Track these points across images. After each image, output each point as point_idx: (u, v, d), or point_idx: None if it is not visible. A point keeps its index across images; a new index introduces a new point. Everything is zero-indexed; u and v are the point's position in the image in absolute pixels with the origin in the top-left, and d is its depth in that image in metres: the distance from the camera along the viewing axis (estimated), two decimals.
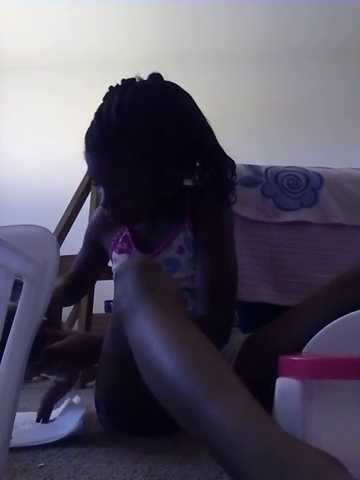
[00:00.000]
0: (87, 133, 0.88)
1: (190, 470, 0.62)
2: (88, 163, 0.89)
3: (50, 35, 3.39)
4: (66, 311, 2.01)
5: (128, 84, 0.89)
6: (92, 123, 0.88)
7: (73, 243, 1.77)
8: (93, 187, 1.81)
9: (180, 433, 0.59)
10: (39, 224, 0.53)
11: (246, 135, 3.27)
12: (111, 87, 0.92)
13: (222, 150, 0.94)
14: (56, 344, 0.83)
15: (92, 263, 1.12)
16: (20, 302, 0.49)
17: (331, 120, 3.48)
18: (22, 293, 0.49)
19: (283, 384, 0.50)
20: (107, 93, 0.92)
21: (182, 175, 0.92)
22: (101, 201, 0.90)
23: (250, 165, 1.28)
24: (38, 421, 0.88)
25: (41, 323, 0.53)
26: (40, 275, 0.50)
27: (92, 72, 3.58)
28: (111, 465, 0.66)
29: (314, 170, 1.31)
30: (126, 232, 1.01)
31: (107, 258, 1.08)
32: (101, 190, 0.90)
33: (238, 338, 0.94)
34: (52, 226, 1.70)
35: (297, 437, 0.44)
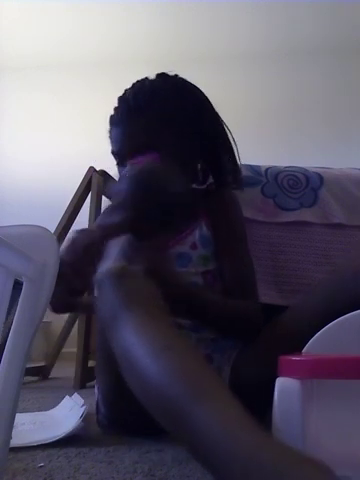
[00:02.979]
0: (117, 108, 0.98)
1: (190, 470, 0.62)
2: (116, 136, 0.97)
3: (50, 35, 3.39)
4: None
5: (145, 78, 1.01)
6: (120, 99, 0.98)
7: None
8: (93, 187, 1.81)
9: None
10: (39, 224, 0.53)
11: (246, 135, 3.26)
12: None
13: (228, 137, 1.03)
14: None
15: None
16: (20, 302, 0.49)
17: (331, 120, 3.48)
18: (22, 293, 0.49)
19: (283, 384, 0.50)
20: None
21: (197, 155, 1.00)
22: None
23: (250, 165, 1.28)
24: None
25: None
26: (40, 275, 0.50)
27: (92, 72, 3.58)
28: (111, 465, 0.66)
29: (314, 170, 1.31)
30: None
31: None
32: (126, 168, 0.93)
33: None
34: (52, 226, 1.70)
35: (296, 441, 0.44)
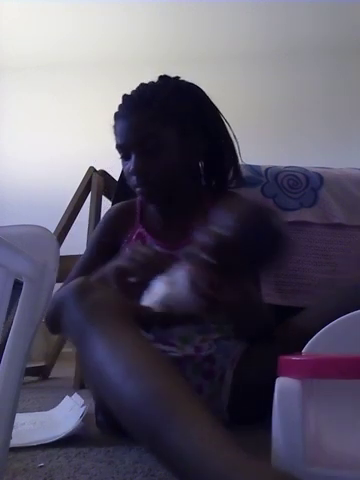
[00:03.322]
0: (121, 104, 0.99)
1: None
2: (121, 129, 0.97)
3: (50, 35, 3.39)
4: None
5: (150, 81, 1.03)
6: (125, 97, 1.00)
7: (73, 243, 1.77)
8: (93, 187, 1.81)
9: None
10: (39, 224, 0.53)
11: (246, 135, 3.26)
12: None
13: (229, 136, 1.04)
14: None
15: (106, 258, 1.02)
16: (20, 302, 0.49)
17: (331, 120, 3.48)
18: (22, 293, 0.49)
19: (283, 384, 0.50)
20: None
21: (200, 149, 1.00)
22: (131, 168, 0.95)
23: (250, 165, 1.28)
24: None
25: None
26: (40, 275, 0.50)
27: (92, 72, 3.58)
28: (111, 465, 0.66)
29: (314, 170, 1.31)
30: (140, 229, 1.01)
31: None
32: (130, 160, 0.95)
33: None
34: (52, 226, 1.70)
35: (296, 441, 0.44)
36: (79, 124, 3.51)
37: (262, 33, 3.40)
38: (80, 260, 1.07)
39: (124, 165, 1.00)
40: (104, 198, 1.85)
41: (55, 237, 0.54)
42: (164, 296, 0.72)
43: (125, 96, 1.01)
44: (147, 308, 0.73)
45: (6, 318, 0.46)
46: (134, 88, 1.02)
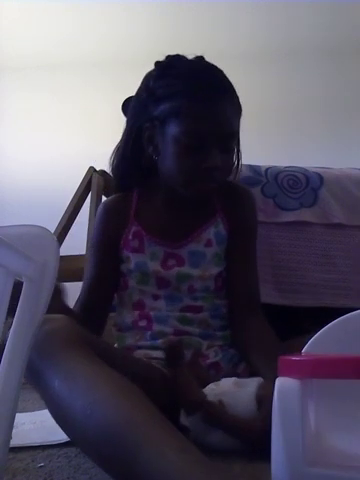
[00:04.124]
0: (204, 86, 0.86)
1: None
2: (211, 113, 0.85)
3: (50, 35, 3.39)
4: None
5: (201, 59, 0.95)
6: (199, 74, 0.89)
7: (73, 243, 1.77)
8: (93, 187, 1.81)
9: None
10: (39, 224, 0.53)
11: (246, 135, 3.26)
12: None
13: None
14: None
15: (111, 274, 0.97)
16: (20, 302, 0.49)
17: (331, 120, 3.48)
18: (22, 293, 0.49)
19: (282, 384, 0.50)
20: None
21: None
22: (215, 162, 0.86)
23: (250, 165, 1.27)
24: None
25: None
26: (40, 275, 0.50)
27: (92, 72, 3.58)
28: None
29: (314, 170, 1.31)
30: (135, 227, 0.96)
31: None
32: (204, 152, 0.86)
33: None
34: (52, 226, 1.70)
35: (295, 441, 0.44)
36: (79, 124, 3.51)
37: (262, 33, 3.40)
38: (86, 279, 0.99)
39: (186, 154, 0.87)
40: (104, 198, 1.85)
41: (55, 237, 0.54)
42: (228, 394, 0.71)
43: (201, 74, 0.89)
44: (202, 393, 0.71)
45: (6, 318, 0.46)
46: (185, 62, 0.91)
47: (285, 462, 0.47)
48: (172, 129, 0.87)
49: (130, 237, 0.96)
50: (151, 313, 0.93)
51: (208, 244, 0.95)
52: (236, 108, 0.90)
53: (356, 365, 0.47)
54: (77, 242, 1.75)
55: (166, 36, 3.39)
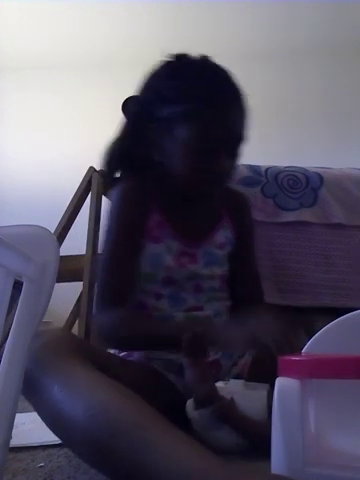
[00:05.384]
0: (215, 92, 0.86)
1: None
2: (221, 119, 0.85)
3: (50, 35, 3.39)
4: (66, 311, 2.00)
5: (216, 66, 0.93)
6: (216, 79, 0.88)
7: (73, 243, 1.77)
8: (93, 187, 1.81)
9: None
10: (39, 224, 0.53)
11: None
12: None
13: None
14: None
15: (136, 258, 0.90)
16: (20, 302, 0.49)
17: (331, 120, 3.48)
18: (22, 293, 0.49)
19: (282, 384, 0.50)
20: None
21: None
22: (218, 167, 0.86)
23: (250, 165, 1.28)
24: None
25: None
26: (40, 275, 0.50)
27: (92, 72, 3.58)
28: None
29: (314, 170, 1.31)
30: (158, 216, 0.92)
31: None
32: (219, 158, 0.86)
33: None
34: (52, 226, 1.70)
35: (295, 441, 0.44)
36: (79, 124, 3.51)
37: (262, 33, 3.40)
38: (107, 261, 0.91)
39: (194, 157, 0.87)
40: (104, 198, 1.85)
41: (55, 237, 0.54)
42: (238, 394, 0.72)
43: (212, 78, 0.87)
44: (215, 387, 0.72)
45: (6, 318, 0.46)
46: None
47: (285, 462, 0.47)
48: (181, 132, 0.87)
49: (152, 225, 0.92)
50: (154, 314, 0.92)
51: (220, 246, 0.97)
52: (245, 113, 0.89)
53: (356, 365, 0.47)
54: (77, 242, 1.75)
55: (166, 36, 3.39)
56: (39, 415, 0.60)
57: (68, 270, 1.63)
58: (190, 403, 0.73)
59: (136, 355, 0.90)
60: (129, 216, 0.91)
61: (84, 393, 0.55)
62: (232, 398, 0.72)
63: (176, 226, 0.93)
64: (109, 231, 0.91)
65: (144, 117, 0.92)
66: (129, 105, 1.07)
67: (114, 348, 0.92)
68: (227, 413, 0.70)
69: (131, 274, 0.90)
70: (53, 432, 0.58)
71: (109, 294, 0.88)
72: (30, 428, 0.87)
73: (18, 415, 0.52)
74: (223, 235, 0.98)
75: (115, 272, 0.89)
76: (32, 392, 0.60)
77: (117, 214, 0.92)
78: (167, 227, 0.92)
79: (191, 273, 0.93)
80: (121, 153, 0.97)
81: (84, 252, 1.70)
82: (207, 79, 0.88)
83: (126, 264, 0.89)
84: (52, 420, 0.58)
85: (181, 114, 0.86)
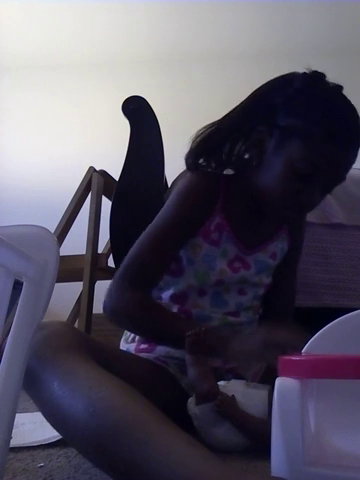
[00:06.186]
0: (340, 128, 0.84)
1: None
2: (339, 158, 0.84)
3: (50, 35, 3.39)
4: (66, 311, 2.01)
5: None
6: (333, 109, 0.87)
7: (73, 243, 1.77)
8: (93, 187, 1.81)
9: None
10: (39, 224, 0.53)
11: None
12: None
13: None
14: None
15: (175, 255, 0.90)
16: (20, 302, 0.49)
17: None
18: (22, 293, 0.49)
19: (282, 384, 0.50)
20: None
21: None
22: (313, 199, 0.86)
23: None
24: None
25: None
26: (40, 275, 0.50)
27: (92, 72, 3.58)
28: None
29: None
30: (219, 220, 0.91)
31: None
32: (308, 184, 0.84)
33: None
34: (52, 226, 1.70)
35: (295, 441, 0.44)
36: (79, 124, 3.51)
37: (262, 33, 3.40)
38: (148, 242, 0.87)
39: (292, 178, 0.84)
40: (104, 198, 1.85)
41: (55, 237, 0.54)
42: (239, 393, 0.73)
43: (342, 113, 0.88)
44: (217, 384, 0.74)
45: (6, 318, 0.46)
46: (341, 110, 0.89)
47: (285, 462, 0.47)
48: (292, 149, 0.84)
49: (212, 227, 0.90)
50: (193, 311, 0.91)
51: (273, 256, 0.97)
52: (356, 158, 0.87)
53: (356, 365, 0.47)
54: (77, 242, 1.75)
55: (166, 36, 3.40)
56: (40, 411, 0.60)
57: (68, 270, 1.63)
58: (191, 400, 0.74)
59: (140, 349, 0.90)
60: (190, 210, 0.90)
61: (84, 389, 0.55)
62: (233, 395, 0.72)
63: (235, 232, 0.92)
64: (164, 215, 0.89)
65: (260, 115, 0.89)
66: (127, 106, 1.05)
67: (118, 325, 0.90)
68: (228, 409, 0.70)
69: (164, 265, 0.89)
70: (54, 428, 0.58)
71: (135, 275, 0.86)
72: (30, 428, 0.87)
73: (18, 415, 0.52)
74: (279, 246, 0.98)
75: (151, 256, 0.87)
76: (31, 385, 0.60)
77: (179, 203, 0.90)
78: (227, 232, 0.91)
79: (242, 278, 0.93)
80: (217, 141, 0.91)
81: (84, 252, 1.70)
82: (339, 111, 0.87)
83: (165, 253, 0.88)
84: (52, 414, 0.58)
85: (301, 132, 0.84)
